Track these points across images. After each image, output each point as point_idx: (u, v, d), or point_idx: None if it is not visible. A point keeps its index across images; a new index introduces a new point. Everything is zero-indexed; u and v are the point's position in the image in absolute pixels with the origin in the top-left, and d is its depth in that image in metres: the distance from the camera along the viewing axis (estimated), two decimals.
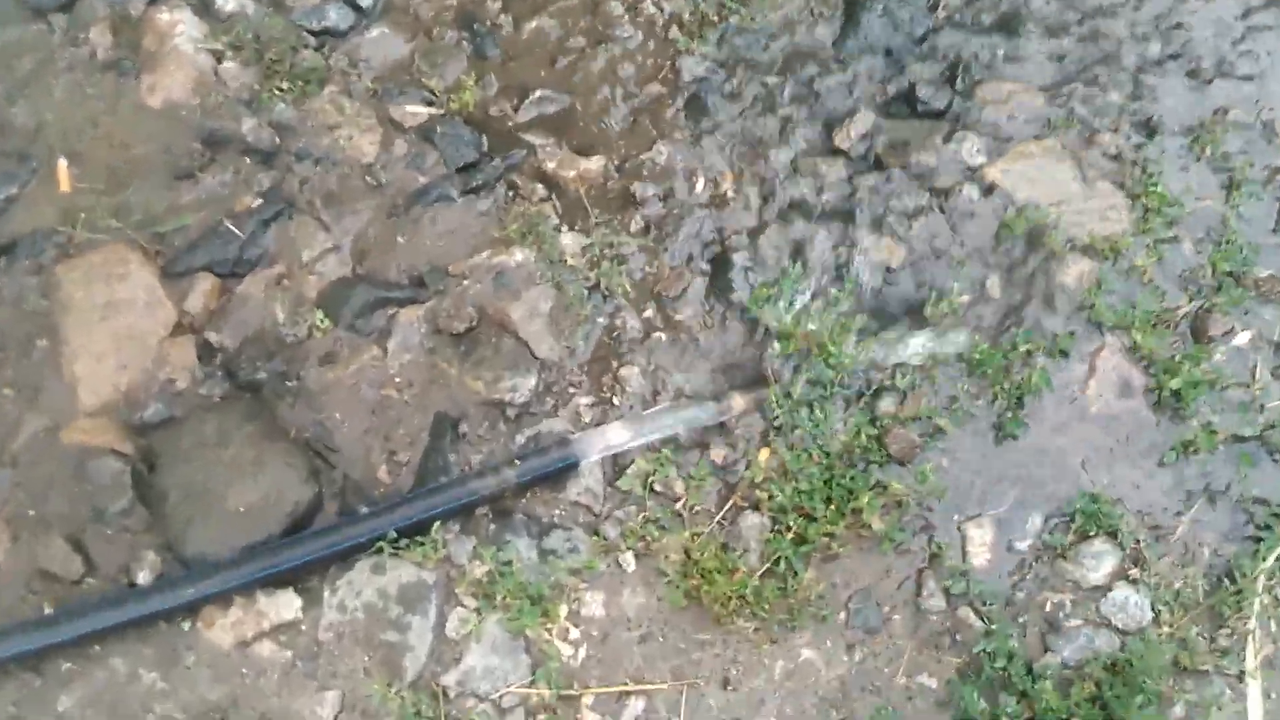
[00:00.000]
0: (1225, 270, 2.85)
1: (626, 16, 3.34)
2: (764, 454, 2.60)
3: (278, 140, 3.07)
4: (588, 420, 2.66)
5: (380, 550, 2.40)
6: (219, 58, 3.16)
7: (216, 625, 2.39)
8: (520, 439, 2.63)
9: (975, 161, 3.05)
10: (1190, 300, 2.82)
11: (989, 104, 3.19)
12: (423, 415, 2.67)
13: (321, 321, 2.78)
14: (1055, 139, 3.10)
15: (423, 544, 2.43)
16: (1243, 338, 2.76)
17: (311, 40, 3.26)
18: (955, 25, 3.37)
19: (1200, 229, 2.94)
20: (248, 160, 3.04)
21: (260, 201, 2.98)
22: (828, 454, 2.56)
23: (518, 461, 2.50)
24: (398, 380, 2.71)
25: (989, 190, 2.99)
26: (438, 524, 2.45)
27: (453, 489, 2.48)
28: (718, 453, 2.62)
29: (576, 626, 2.42)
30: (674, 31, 3.30)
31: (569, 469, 2.55)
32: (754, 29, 3.30)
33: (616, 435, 2.58)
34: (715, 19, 3.31)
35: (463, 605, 2.42)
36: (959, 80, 3.23)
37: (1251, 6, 3.34)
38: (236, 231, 2.90)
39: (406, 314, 2.81)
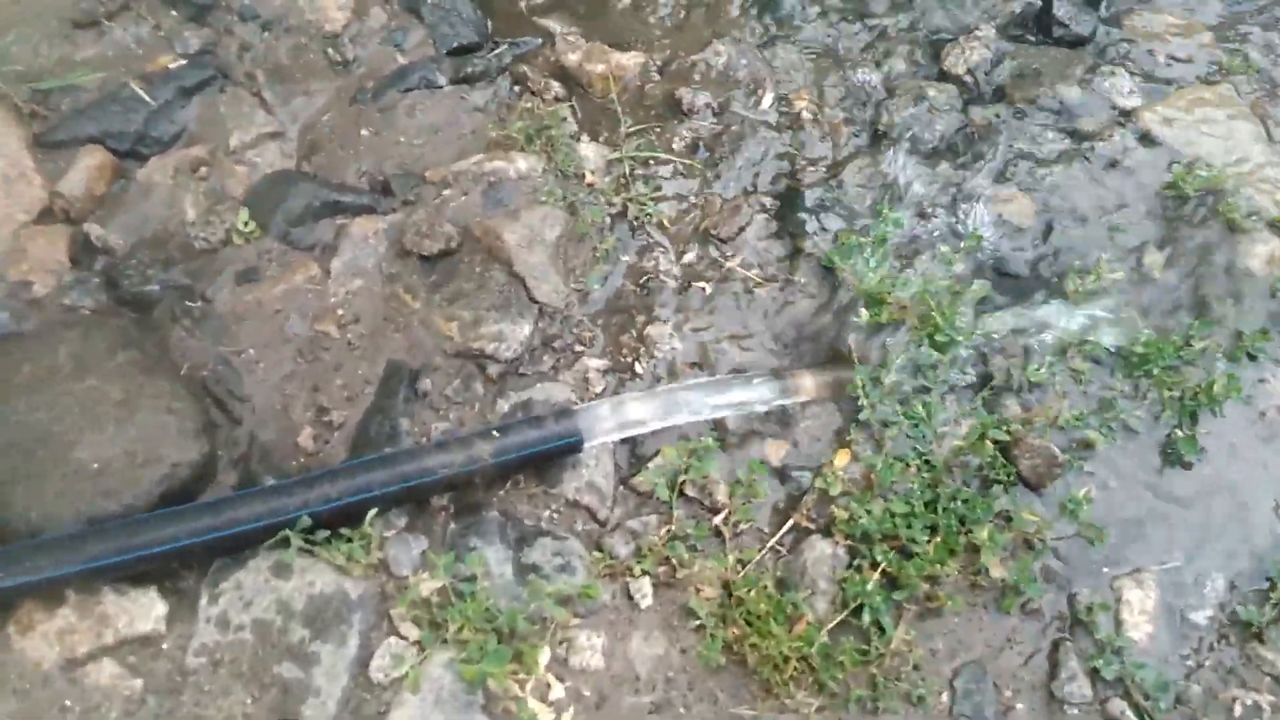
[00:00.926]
0: None
1: None
2: (842, 457, 1.86)
3: None
4: (599, 390, 1.91)
5: (287, 542, 1.64)
6: None
7: (37, 631, 1.62)
8: (504, 406, 1.88)
9: (1129, 104, 2.34)
10: None
11: (1143, 36, 2.49)
12: (370, 363, 1.91)
13: (245, 225, 2.03)
14: (1230, 87, 2.39)
15: (350, 540, 1.67)
16: None
17: None
18: None
19: None
20: (173, 12, 2.31)
21: (183, 63, 2.24)
22: (932, 465, 1.82)
23: (496, 434, 1.75)
24: (340, 312, 1.95)
25: (1146, 140, 2.28)
26: (374, 512, 1.68)
27: (400, 464, 1.71)
28: (776, 449, 1.88)
29: (562, 681, 1.65)
30: None
31: (567, 452, 1.80)
32: None
33: (637, 411, 1.83)
34: None
35: (399, 635, 1.65)
36: (1103, 4, 2.52)
37: None
38: (146, 98, 2.16)
39: (361, 225, 2.06)
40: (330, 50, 2.32)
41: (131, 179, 2.10)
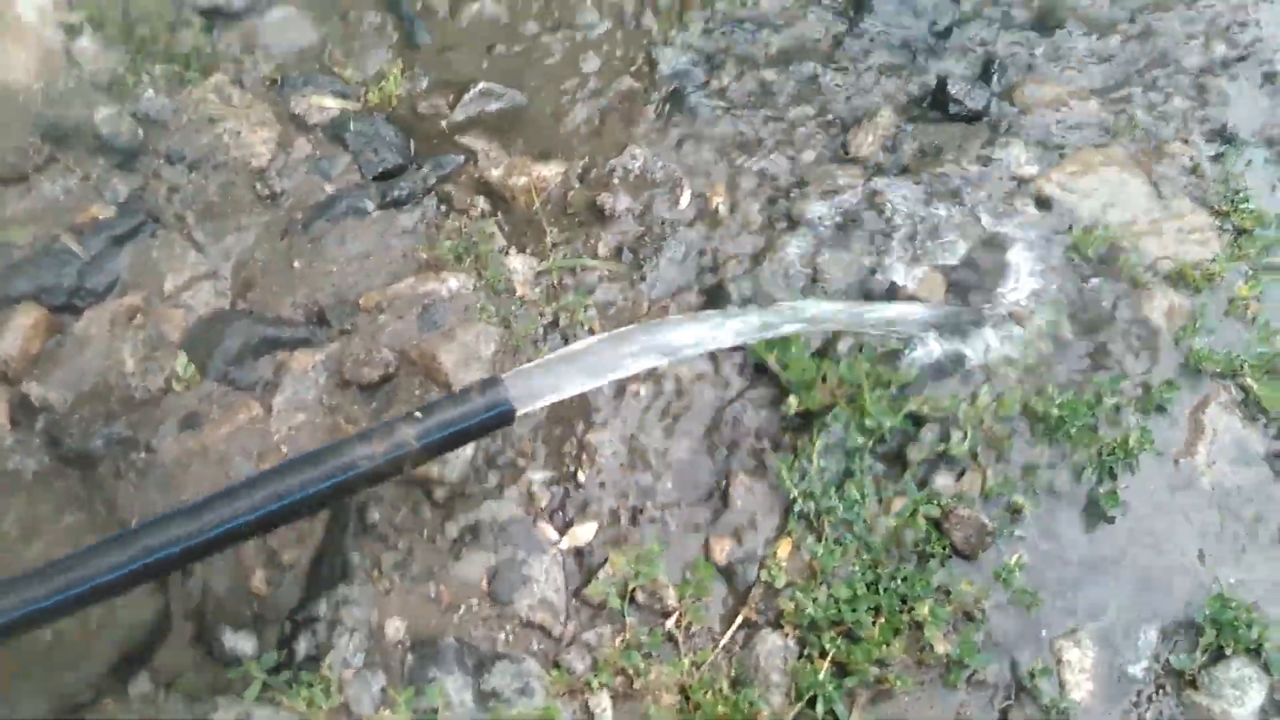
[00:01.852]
0: None
1: (589, 0, 2.71)
2: (784, 547, 1.92)
3: (142, 136, 2.38)
4: (543, 504, 1.97)
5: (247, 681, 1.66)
6: (73, 33, 2.46)
7: None
8: (453, 530, 1.93)
9: (1026, 172, 2.46)
10: None
11: (1034, 107, 2.62)
12: None
13: (184, 370, 2.07)
14: (1119, 148, 2.52)
15: (310, 684, 1.70)
16: None
17: (197, 19, 2.58)
18: (983, 18, 2.81)
19: None
20: (101, 161, 2.36)
21: (113, 213, 2.28)
22: (870, 546, 1.90)
23: (418, 415, 1.68)
24: (285, 449, 2.00)
25: (1046, 205, 2.39)
26: (332, 655, 1.71)
27: (322, 462, 1.62)
28: (720, 546, 1.94)
29: None
30: (648, 18, 2.68)
31: (499, 424, 1.75)
32: (744, 15, 2.69)
33: (566, 372, 1.79)
34: (697, 2, 2.70)
35: None
36: (994, 80, 2.65)
37: None
38: (77, 251, 2.21)
39: (301, 360, 2.11)
40: (258, 185, 2.37)
41: (68, 333, 2.13)
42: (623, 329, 1.91)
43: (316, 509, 1.72)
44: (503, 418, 1.72)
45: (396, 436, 1.64)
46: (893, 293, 2.24)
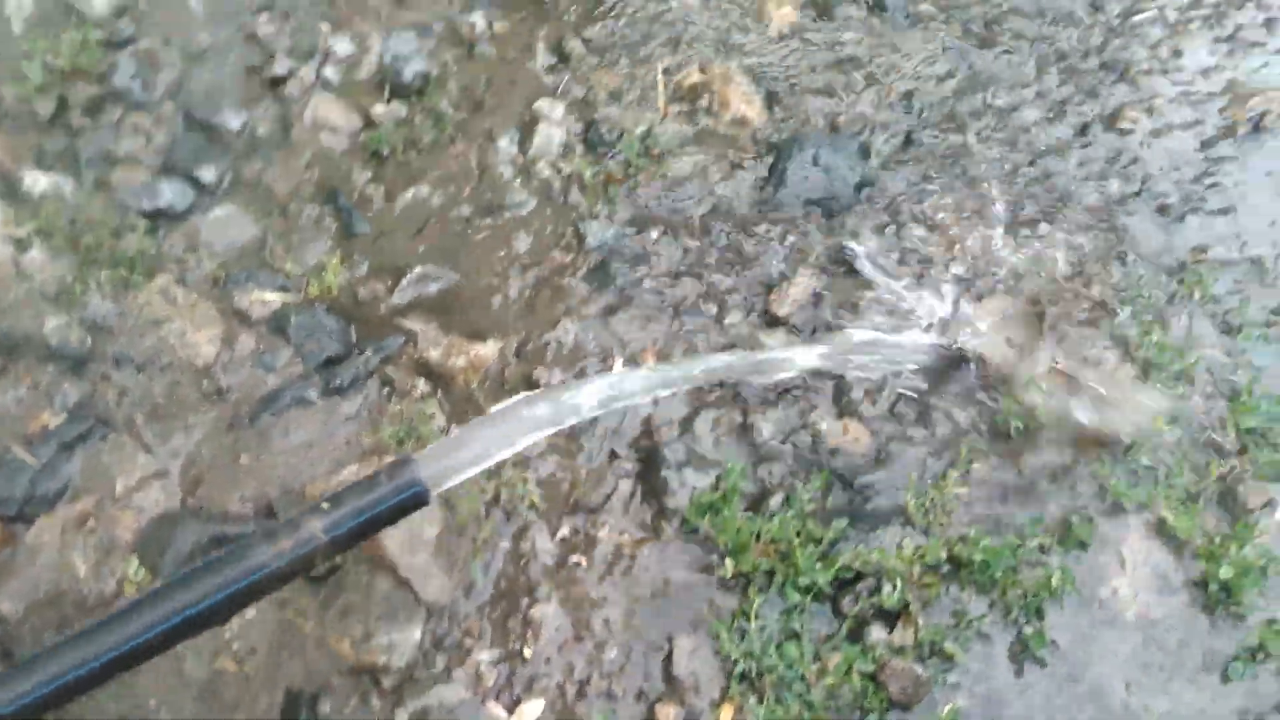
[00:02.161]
0: (1248, 428, 2.39)
1: (518, 180, 2.88)
2: (726, 712, 1.97)
3: (90, 343, 2.47)
4: (491, 683, 2.01)
5: None
6: (22, 246, 2.58)
7: None
8: (403, 715, 1.96)
9: (939, 316, 2.60)
10: (1216, 468, 2.33)
11: (940, 261, 2.77)
12: (269, 693, 1.99)
13: (136, 574, 2.12)
14: (1021, 287, 2.68)
15: None
16: None
17: (141, 223, 2.70)
18: (893, 171, 2.99)
19: (1208, 383, 2.49)
20: (50, 369, 2.43)
21: (63, 419, 2.35)
22: (811, 704, 1.96)
23: (325, 505, 1.65)
24: (236, 647, 2.04)
25: (959, 350, 2.52)
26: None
27: (226, 568, 1.58)
28: (666, 713, 1.98)
29: None
30: (574, 194, 2.84)
31: (413, 506, 1.72)
32: (666, 186, 2.86)
33: (479, 443, 1.80)
34: (620, 177, 2.87)
35: None
36: (900, 232, 2.82)
37: (1207, 138, 3.02)
38: (28, 459, 2.27)
39: None
40: (204, 382, 2.46)
41: (20, 543, 2.17)
42: (524, 394, 1.99)
43: (225, 618, 1.66)
44: (417, 499, 1.69)
45: (303, 532, 1.59)
46: (821, 440, 2.36)
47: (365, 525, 1.67)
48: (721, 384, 2.40)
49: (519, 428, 1.85)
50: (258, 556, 1.60)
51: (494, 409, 1.93)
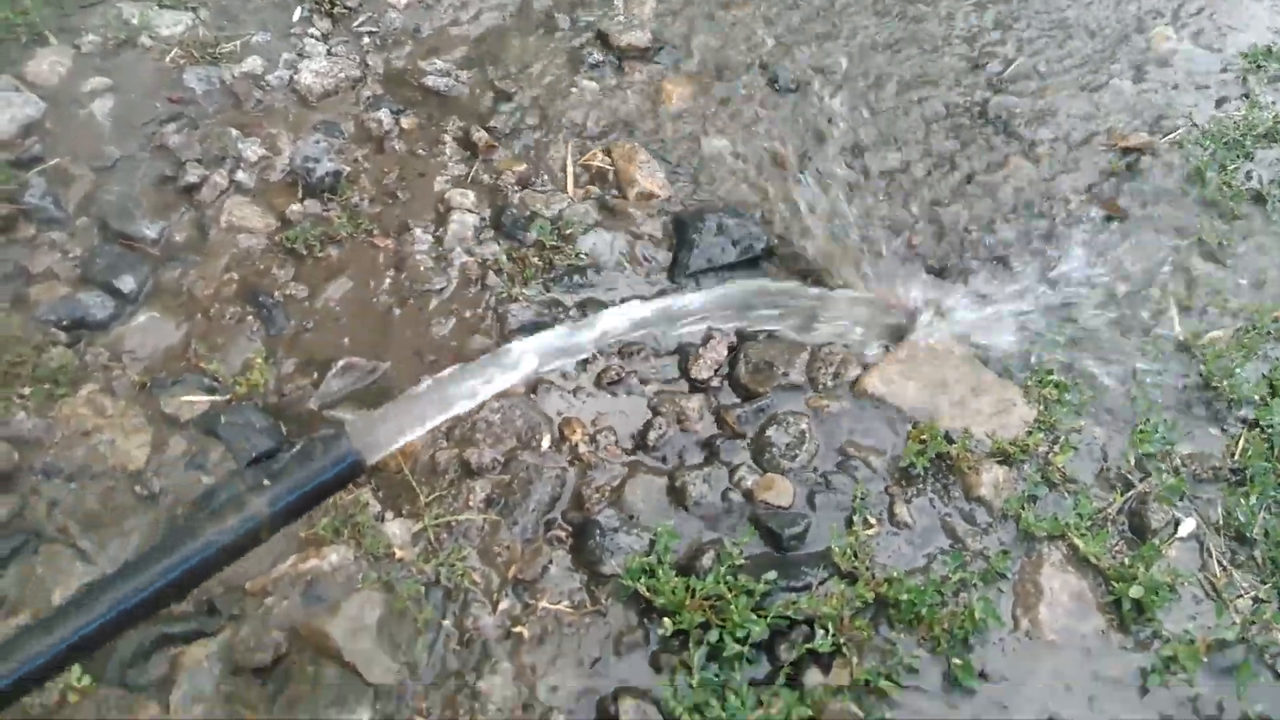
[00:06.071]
0: (1148, 453, 2.54)
1: (437, 267, 2.96)
2: None
3: (17, 458, 2.47)
4: None
5: None
6: None
7: None
8: None
9: (851, 374, 2.72)
10: (1121, 493, 2.47)
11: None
12: None
13: (79, 681, 2.11)
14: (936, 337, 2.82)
15: None
16: (1188, 525, 2.42)
17: (62, 336, 2.72)
18: (787, 243, 3.13)
19: (1105, 413, 2.64)
20: None
21: None
22: None
23: (267, 482, 1.79)
24: None
25: (875, 401, 2.65)
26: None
27: (175, 549, 1.69)
28: None
29: None
30: (492, 278, 2.93)
31: (351, 476, 1.87)
32: (580, 266, 2.97)
33: (412, 412, 1.96)
34: (537, 260, 2.97)
35: None
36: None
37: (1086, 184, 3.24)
38: None
39: (194, 652, 2.17)
40: (137, 487, 2.47)
41: None
42: (455, 365, 2.18)
43: (180, 596, 1.79)
44: (355, 468, 1.82)
45: (248, 510, 1.71)
46: (749, 497, 2.45)
47: (307, 497, 1.80)
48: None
49: (449, 396, 2.01)
50: (206, 535, 1.70)
51: (424, 382, 2.10)
